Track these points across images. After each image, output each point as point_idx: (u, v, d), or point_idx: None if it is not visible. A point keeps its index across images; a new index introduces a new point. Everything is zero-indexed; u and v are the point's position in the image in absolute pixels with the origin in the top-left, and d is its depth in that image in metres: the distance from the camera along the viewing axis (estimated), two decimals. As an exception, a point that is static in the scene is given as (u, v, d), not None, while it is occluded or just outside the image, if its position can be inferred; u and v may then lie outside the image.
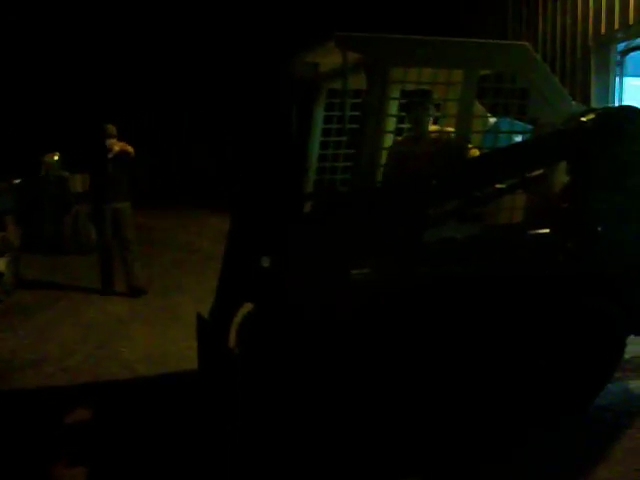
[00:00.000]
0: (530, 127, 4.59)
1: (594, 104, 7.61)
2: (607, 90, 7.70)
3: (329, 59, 4.47)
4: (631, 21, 7.46)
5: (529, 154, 4.19)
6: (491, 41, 4.34)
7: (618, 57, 7.95)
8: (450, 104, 4.41)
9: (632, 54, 8.02)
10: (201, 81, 17.05)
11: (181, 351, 5.72)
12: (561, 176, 4.44)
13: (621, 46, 7.94)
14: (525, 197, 4.34)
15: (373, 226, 3.89)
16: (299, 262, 3.92)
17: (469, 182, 4.08)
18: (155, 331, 6.59)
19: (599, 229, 4.24)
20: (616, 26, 7.71)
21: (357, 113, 4.53)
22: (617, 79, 7.97)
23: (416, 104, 4.67)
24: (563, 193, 4.38)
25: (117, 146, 7.76)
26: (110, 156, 7.73)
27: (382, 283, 3.91)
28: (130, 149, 7.83)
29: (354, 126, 4.49)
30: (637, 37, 7.80)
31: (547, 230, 4.27)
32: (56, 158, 10.75)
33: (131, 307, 7.52)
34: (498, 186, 4.23)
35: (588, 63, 7.79)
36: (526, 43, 4.25)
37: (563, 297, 4.18)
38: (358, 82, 4.26)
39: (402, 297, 3.88)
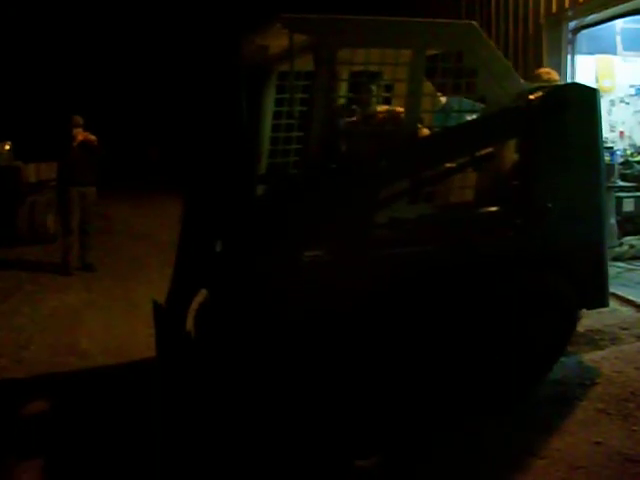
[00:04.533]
0: (479, 106, 4.62)
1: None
2: (559, 68, 7.76)
3: (278, 41, 4.43)
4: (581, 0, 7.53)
5: (478, 133, 4.22)
6: (437, 20, 4.34)
7: (569, 35, 8.02)
8: (400, 84, 4.41)
9: (583, 32, 8.11)
10: (154, 68, 16.89)
11: (140, 340, 5.67)
12: (510, 154, 4.49)
13: (572, 24, 8.01)
14: (475, 176, 4.37)
15: (324, 209, 3.88)
16: (251, 246, 3.91)
17: (419, 162, 4.10)
18: (114, 320, 6.53)
19: (549, 205, 4.30)
20: (566, 5, 7.77)
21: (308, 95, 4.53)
22: (569, 57, 8.05)
23: (361, 85, 4.68)
24: (513, 171, 4.43)
25: (81, 135, 8.48)
26: (75, 144, 8.40)
27: (334, 265, 3.91)
28: (93, 138, 8.51)
29: (304, 108, 4.48)
30: (587, 15, 7.88)
31: (498, 208, 4.31)
32: (7, 147, 10.52)
33: (89, 296, 7.44)
34: (448, 165, 4.25)
35: (540, 41, 7.85)
36: (473, 22, 4.26)
37: (515, 273, 4.23)
38: (308, 64, 4.23)
39: (355, 279, 3.89)
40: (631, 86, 9.39)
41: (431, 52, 4.21)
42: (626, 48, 9.34)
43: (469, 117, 4.75)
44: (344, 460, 3.78)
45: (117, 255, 9.62)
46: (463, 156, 4.23)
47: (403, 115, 4.35)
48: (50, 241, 10.41)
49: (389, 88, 4.88)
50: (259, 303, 3.81)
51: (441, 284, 4.04)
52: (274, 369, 3.87)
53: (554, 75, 5.29)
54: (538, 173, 4.32)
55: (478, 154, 4.27)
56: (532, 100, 4.29)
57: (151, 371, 4.91)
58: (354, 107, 4.87)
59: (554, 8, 7.94)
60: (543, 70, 5.43)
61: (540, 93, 4.34)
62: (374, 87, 4.64)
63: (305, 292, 3.80)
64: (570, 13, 7.79)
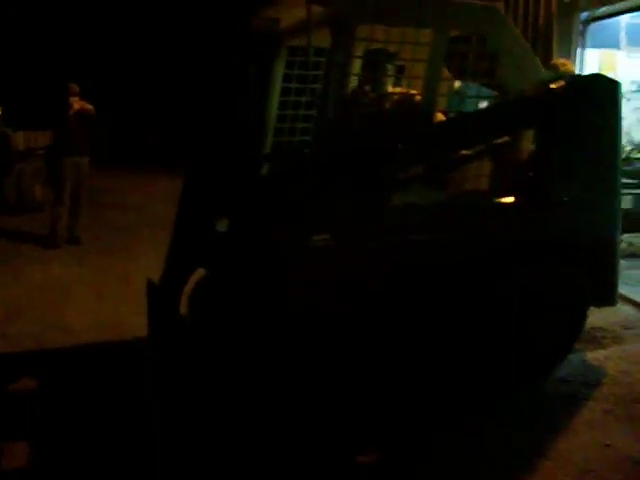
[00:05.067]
0: (494, 93, 4.48)
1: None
2: (569, 59, 7.61)
3: (290, 14, 4.25)
4: (594, -11, 7.38)
5: (497, 120, 4.06)
6: (462, 1, 4.17)
7: (580, 27, 7.87)
8: (414, 66, 4.24)
9: (594, 24, 7.95)
10: (156, 37, 16.52)
11: (129, 316, 5.50)
12: (527, 144, 4.35)
13: (584, 15, 7.86)
14: (492, 164, 4.22)
15: (335, 190, 3.71)
16: (258, 227, 3.74)
17: (436, 147, 3.94)
18: (103, 296, 6.34)
19: (565, 198, 4.17)
20: (579, -6, 7.62)
21: (318, 72, 4.37)
22: (579, 49, 7.90)
23: (374, 63, 4.51)
24: (529, 161, 4.29)
25: (77, 104, 8.23)
26: (71, 113, 8.18)
27: (344, 250, 3.75)
28: (89, 107, 8.30)
29: (315, 86, 4.32)
30: (599, 7, 7.72)
31: (513, 198, 4.17)
32: (-3, 114, 10.25)
33: (78, 270, 7.24)
34: (464, 152, 4.11)
35: (551, 31, 7.69)
36: (497, 5, 4.10)
37: (529, 266, 4.10)
38: (321, 39, 4.06)
39: (364, 264, 3.74)
40: (633, 82, 9.25)
41: (453, 34, 4.04)
42: (630, 43, 9.20)
43: (481, 104, 4.62)
44: (344, 457, 3.64)
45: (107, 227, 9.38)
46: (481, 143, 4.08)
47: (418, 97, 4.20)
48: (37, 210, 10.17)
49: (400, 69, 4.72)
50: (265, 287, 3.66)
51: (450, 275, 3.90)
52: (277, 357, 3.72)
53: (570, 66, 5.16)
54: (555, 165, 4.18)
55: (495, 142, 4.13)
56: (553, 89, 4.14)
57: (141, 350, 4.77)
58: (366, 87, 4.69)
59: (566, -3, 7.77)
60: (559, 61, 5.29)
61: (561, 83, 4.20)
62: (390, 67, 4.46)
63: (313, 278, 3.64)
64: (583, 3, 7.63)
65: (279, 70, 4.64)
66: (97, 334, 5.31)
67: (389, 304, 3.77)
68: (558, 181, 4.17)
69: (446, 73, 4.40)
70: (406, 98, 4.39)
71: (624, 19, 8.79)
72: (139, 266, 7.08)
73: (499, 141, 4.19)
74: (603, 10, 7.69)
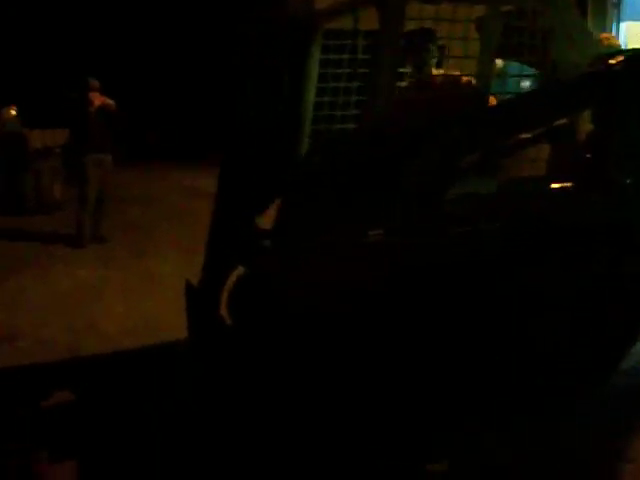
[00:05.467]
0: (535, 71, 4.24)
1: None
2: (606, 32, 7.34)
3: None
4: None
5: (558, 99, 3.80)
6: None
7: (614, -1, 7.62)
8: (455, 45, 3.99)
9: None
10: (183, 23, 16.22)
11: (161, 319, 5.35)
12: (584, 124, 4.10)
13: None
14: (549, 148, 3.98)
15: (390, 180, 3.48)
16: (306, 221, 3.52)
17: (493, 131, 3.68)
18: (132, 297, 6.19)
19: (627, 181, 3.92)
20: (613, -36, 7.35)
21: (354, 56, 4.16)
22: (614, 22, 7.64)
23: (418, 45, 4.26)
24: (588, 142, 4.04)
25: (98, 100, 8.06)
26: (91, 109, 8.00)
27: (401, 245, 3.52)
28: (110, 102, 8.13)
29: (352, 70, 4.11)
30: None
31: (572, 183, 3.92)
32: (13, 113, 10.04)
33: (104, 271, 7.07)
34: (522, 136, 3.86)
35: (585, 4, 7.41)
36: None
37: (591, 254, 3.86)
38: (361, 22, 3.84)
39: (423, 259, 3.51)
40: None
41: (505, 9, 3.79)
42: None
43: (524, 83, 4.40)
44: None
45: (129, 223, 9.23)
46: (540, 126, 3.83)
47: (464, 79, 3.97)
48: (56, 209, 10.01)
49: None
50: (314, 286, 3.43)
51: (516, 265, 3.66)
52: (325, 361, 3.51)
53: (614, 40, 4.92)
54: (616, 145, 3.92)
55: (556, 124, 3.88)
56: (613, 65, 3.88)
57: (178, 355, 4.59)
58: (406, 70, 4.45)
59: (600, -34, 7.50)
60: (603, 35, 5.03)
61: (621, 58, 3.94)
62: (433, 47, 4.22)
63: (368, 276, 3.41)
64: (616, -26, 7.37)
65: (315, 55, 4.41)
66: (130, 338, 5.15)
67: (452, 298, 3.54)
68: (620, 162, 3.92)
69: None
70: (451, 80, 4.15)
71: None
72: (163, 262, 7.01)
73: (557, 122, 3.93)
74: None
